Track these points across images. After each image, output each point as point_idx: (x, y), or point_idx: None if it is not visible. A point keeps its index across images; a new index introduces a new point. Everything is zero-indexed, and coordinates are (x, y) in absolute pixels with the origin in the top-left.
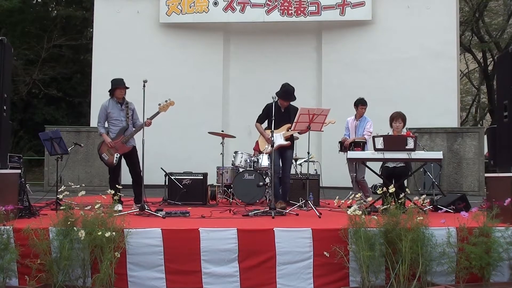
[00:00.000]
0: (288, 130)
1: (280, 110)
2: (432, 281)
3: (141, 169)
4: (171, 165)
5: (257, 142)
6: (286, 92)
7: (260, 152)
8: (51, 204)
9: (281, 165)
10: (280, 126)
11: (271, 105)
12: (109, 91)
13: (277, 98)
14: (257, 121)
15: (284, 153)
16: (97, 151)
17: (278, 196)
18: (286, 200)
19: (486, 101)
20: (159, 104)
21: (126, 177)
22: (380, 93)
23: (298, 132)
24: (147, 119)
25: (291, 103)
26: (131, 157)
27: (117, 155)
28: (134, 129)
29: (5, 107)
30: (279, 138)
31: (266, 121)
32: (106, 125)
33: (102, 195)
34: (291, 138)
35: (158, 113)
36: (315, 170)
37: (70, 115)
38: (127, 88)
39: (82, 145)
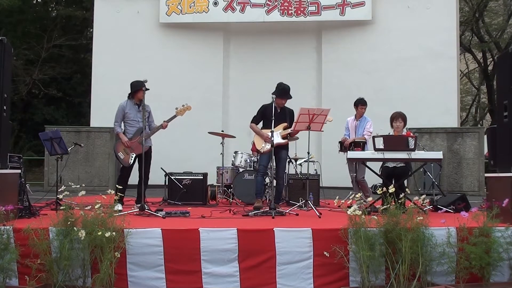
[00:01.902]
0: (284, 129)
1: (277, 110)
2: (432, 281)
3: None
4: (171, 165)
5: (253, 143)
6: (283, 90)
7: (258, 152)
8: (51, 204)
9: (274, 165)
10: (277, 125)
11: (267, 105)
12: (130, 93)
13: (275, 97)
14: (252, 122)
15: (278, 154)
16: (113, 150)
17: (260, 193)
18: (279, 200)
19: (486, 101)
20: (176, 108)
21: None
22: (380, 93)
23: (291, 135)
24: (164, 121)
25: (286, 104)
26: (146, 158)
27: (133, 154)
28: (150, 130)
29: (5, 107)
30: (276, 137)
31: (261, 122)
32: (122, 126)
33: (102, 195)
34: (287, 137)
35: (175, 116)
36: (315, 170)
37: (70, 115)
38: (147, 89)
39: (82, 145)
